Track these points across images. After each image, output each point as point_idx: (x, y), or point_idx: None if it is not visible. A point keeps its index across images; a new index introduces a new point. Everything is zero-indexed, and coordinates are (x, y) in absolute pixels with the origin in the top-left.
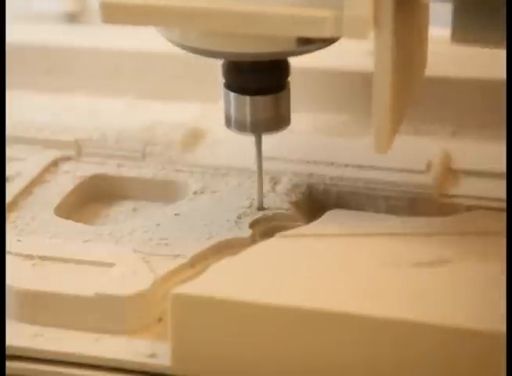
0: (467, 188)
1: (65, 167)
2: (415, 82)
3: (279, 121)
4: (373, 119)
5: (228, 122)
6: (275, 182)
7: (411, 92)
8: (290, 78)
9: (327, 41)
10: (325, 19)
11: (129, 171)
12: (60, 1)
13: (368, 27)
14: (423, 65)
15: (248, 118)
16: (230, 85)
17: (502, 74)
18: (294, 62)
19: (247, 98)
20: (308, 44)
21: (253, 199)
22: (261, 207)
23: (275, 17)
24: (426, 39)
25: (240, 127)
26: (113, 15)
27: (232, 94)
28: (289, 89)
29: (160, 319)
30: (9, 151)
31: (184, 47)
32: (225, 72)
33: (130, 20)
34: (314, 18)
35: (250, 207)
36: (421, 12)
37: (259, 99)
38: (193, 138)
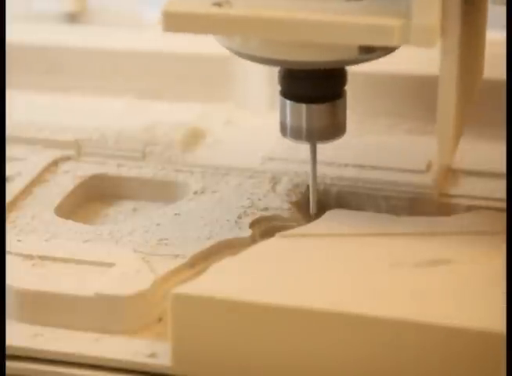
0: (467, 188)
1: (65, 167)
2: (475, 86)
3: (335, 129)
4: (437, 128)
5: (283, 130)
6: (275, 182)
7: (472, 96)
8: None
9: (388, 50)
10: (393, 28)
11: (129, 171)
12: (60, 1)
13: (436, 36)
14: (481, 68)
15: (304, 126)
16: (286, 93)
17: (502, 74)
18: None
19: (303, 106)
20: (369, 52)
21: (255, 199)
22: (313, 215)
23: (341, 25)
24: (483, 43)
25: (296, 135)
26: (175, 23)
27: (288, 102)
28: (345, 97)
29: (160, 319)
30: (9, 151)
31: (242, 55)
32: (281, 79)
33: (191, 29)
34: (382, 26)
35: (250, 207)
36: (482, 15)
37: (315, 107)
38: (193, 138)
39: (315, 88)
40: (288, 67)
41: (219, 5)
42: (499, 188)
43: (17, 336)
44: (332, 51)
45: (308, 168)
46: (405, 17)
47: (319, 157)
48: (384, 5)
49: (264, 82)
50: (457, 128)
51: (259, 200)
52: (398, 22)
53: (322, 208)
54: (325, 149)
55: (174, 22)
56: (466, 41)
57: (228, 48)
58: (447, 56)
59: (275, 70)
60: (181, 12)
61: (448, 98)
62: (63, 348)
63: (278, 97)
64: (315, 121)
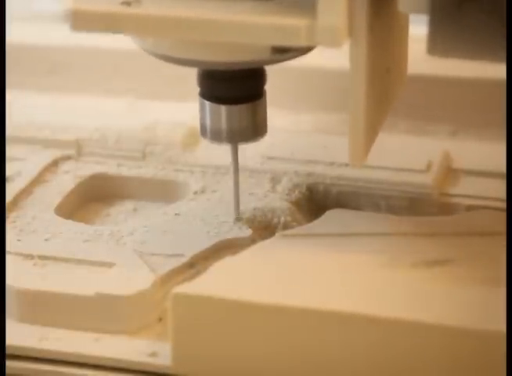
0: (467, 188)
1: (65, 167)
2: (394, 88)
3: (255, 130)
4: (349, 131)
5: (203, 131)
6: (275, 182)
7: (390, 97)
8: (290, 77)
9: (303, 50)
10: (298, 28)
11: (129, 171)
12: (60, 1)
13: (342, 36)
14: (403, 70)
15: (224, 128)
16: (205, 94)
17: (502, 74)
18: (294, 61)
19: (222, 107)
20: (283, 52)
21: (255, 199)
22: (238, 218)
23: (248, 25)
24: (406, 44)
25: (216, 137)
26: (82, 22)
27: (207, 103)
28: (265, 98)
29: (160, 319)
30: (9, 151)
31: (156, 55)
32: (199, 80)
33: (99, 28)
34: (287, 26)
35: (250, 207)
36: (401, 17)
37: (235, 108)
38: (193, 138)
39: (234, 88)
40: (204, 68)
41: (128, 3)
42: (499, 188)
43: (17, 336)
44: (245, 51)
45: (308, 168)
46: (312, 17)
47: (319, 157)
48: (291, 5)
49: None
50: (370, 128)
51: (259, 200)
52: (304, 22)
53: (322, 208)
54: (325, 149)
55: (81, 20)
56: (383, 42)
57: (142, 48)
58: (356, 58)
59: (275, 70)
60: (89, 11)
61: (357, 101)
62: (63, 347)
63: (277, 96)
64: (235, 122)
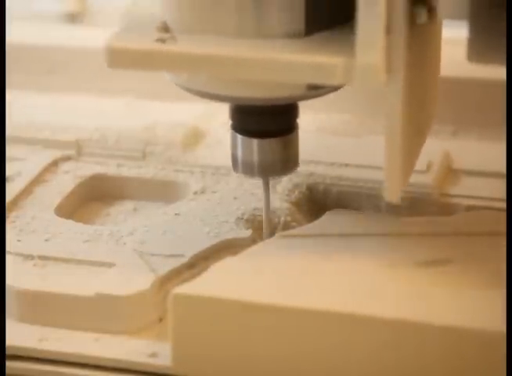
0: (467, 188)
1: (65, 167)
2: (427, 118)
3: (287, 163)
4: (385, 167)
5: (235, 165)
6: (275, 182)
7: (423, 130)
8: None
9: (338, 86)
10: (335, 67)
11: (129, 171)
12: (60, 1)
13: (381, 74)
14: (434, 98)
15: (256, 162)
16: (237, 127)
17: (503, 74)
18: None
19: (255, 141)
20: (318, 88)
21: (255, 199)
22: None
23: (284, 64)
24: (438, 69)
25: (247, 170)
26: (119, 60)
27: (239, 136)
28: (297, 131)
29: (160, 320)
30: (9, 151)
31: (191, 91)
32: (232, 114)
33: (135, 66)
34: (324, 65)
35: (250, 207)
36: (434, 42)
37: (267, 142)
38: (193, 138)
39: (267, 123)
40: (239, 103)
41: (163, 40)
42: (499, 188)
43: (17, 336)
44: (279, 88)
45: (308, 168)
46: (348, 55)
47: (320, 157)
48: (327, 42)
49: None
50: (406, 164)
51: (259, 200)
52: (340, 60)
53: (322, 208)
54: (325, 149)
55: (118, 58)
56: (416, 71)
57: (176, 83)
58: (393, 97)
59: None
60: (124, 49)
61: (395, 136)
62: (63, 348)
63: None
64: (266, 156)
